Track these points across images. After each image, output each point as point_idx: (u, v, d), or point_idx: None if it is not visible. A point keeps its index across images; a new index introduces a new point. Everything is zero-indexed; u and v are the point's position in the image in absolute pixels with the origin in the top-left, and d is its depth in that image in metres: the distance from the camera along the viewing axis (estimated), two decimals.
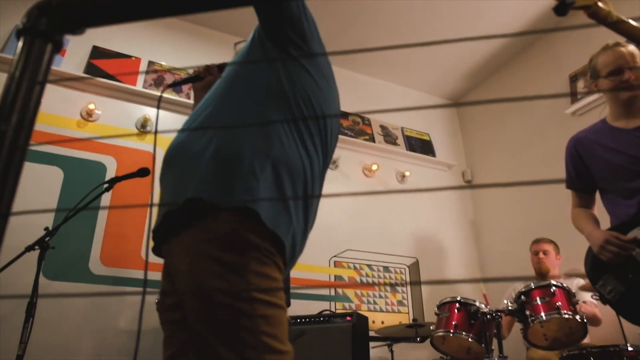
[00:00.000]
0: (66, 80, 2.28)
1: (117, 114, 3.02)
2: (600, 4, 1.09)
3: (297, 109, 1.02)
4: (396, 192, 3.84)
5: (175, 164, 1.00)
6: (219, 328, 0.85)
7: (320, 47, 1.16)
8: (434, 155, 4.17)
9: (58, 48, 0.58)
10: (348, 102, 4.00)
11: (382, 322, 3.29)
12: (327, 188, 3.59)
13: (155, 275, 2.96)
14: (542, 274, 2.82)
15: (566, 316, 1.94)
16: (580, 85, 3.36)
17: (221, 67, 1.43)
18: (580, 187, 1.88)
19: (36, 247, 1.88)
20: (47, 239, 1.89)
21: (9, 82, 0.53)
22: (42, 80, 0.55)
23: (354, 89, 4.11)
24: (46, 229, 1.93)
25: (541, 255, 2.89)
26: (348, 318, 2.45)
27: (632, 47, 1.75)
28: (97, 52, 3.12)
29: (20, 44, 0.54)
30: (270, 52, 1.06)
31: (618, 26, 1.06)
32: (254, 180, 0.89)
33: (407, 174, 3.93)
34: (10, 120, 0.50)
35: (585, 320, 1.97)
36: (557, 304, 1.96)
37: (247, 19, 3.56)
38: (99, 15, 0.59)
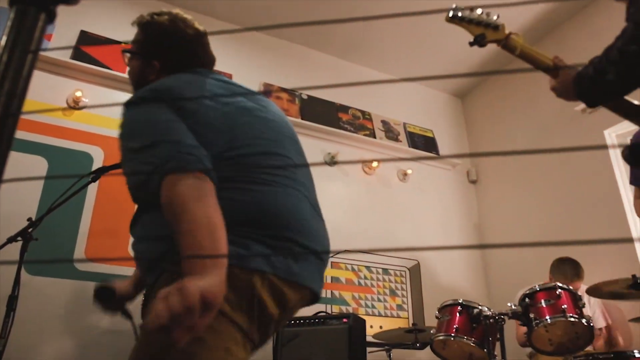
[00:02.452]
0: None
1: (105, 102, 3.03)
2: (513, 36, 1.37)
3: None
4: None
5: None
6: None
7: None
8: (437, 153, 4.20)
9: (51, 18, 0.60)
10: (348, 95, 4.04)
11: (381, 327, 3.31)
12: (325, 185, 3.63)
13: None
14: None
15: (572, 319, 1.96)
16: None
17: None
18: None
19: (19, 238, 1.90)
20: (30, 229, 1.90)
21: (1, 50, 0.55)
22: (35, 49, 0.57)
23: (355, 81, 4.14)
24: (29, 219, 1.95)
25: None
26: (345, 320, 2.47)
27: None
28: (86, 37, 3.13)
29: (12, 13, 0.56)
30: None
31: (526, 58, 1.31)
32: None
33: (409, 172, 3.95)
34: (3, 88, 0.53)
35: (592, 325, 2.00)
36: (563, 306, 1.99)
37: (246, 6, 3.60)
38: None
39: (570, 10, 3.65)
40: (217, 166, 0.99)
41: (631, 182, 2.31)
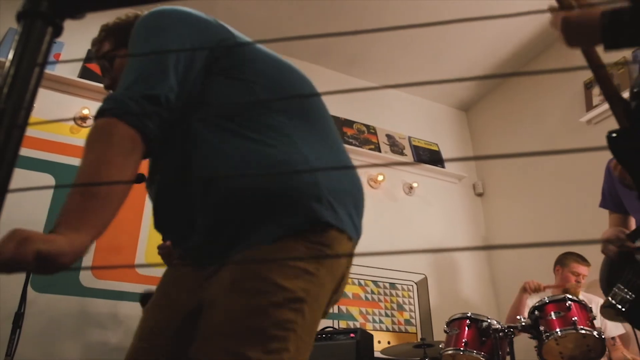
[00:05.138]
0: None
1: None
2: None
3: None
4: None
5: None
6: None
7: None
8: (443, 166, 4.19)
9: (58, 32, 0.61)
10: (352, 109, 4.05)
11: (389, 343, 3.27)
12: None
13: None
14: (568, 292, 2.80)
15: (583, 332, 1.93)
16: (596, 92, 3.39)
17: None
18: (613, 207, 1.96)
19: None
20: None
21: (9, 63, 0.56)
22: (42, 62, 0.58)
23: (360, 95, 4.16)
24: None
25: (582, 279, 2.85)
26: (352, 335, 2.45)
27: None
28: (93, 56, 3.17)
29: (20, 27, 0.57)
30: None
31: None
32: None
33: (414, 185, 3.94)
34: (10, 99, 0.53)
35: (603, 337, 1.96)
36: (573, 318, 1.96)
37: (247, 24, 3.64)
38: None
39: None
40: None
41: (600, 205, 2.12)
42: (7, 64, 0.55)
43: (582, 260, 2.88)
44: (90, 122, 2.99)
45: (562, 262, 2.96)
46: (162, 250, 1.73)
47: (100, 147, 0.84)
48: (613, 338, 2.71)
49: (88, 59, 3.15)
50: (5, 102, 0.52)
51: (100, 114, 0.87)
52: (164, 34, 0.96)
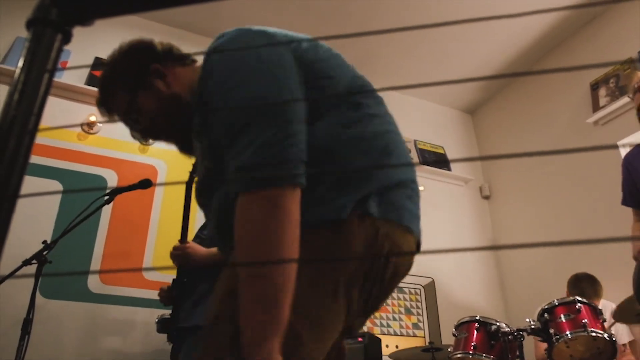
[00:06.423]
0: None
1: (119, 126, 3.07)
2: None
3: None
4: None
5: None
6: None
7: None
8: (449, 169, 4.17)
9: (67, 39, 0.61)
10: None
11: (397, 347, 3.25)
12: None
13: (154, 294, 2.92)
14: None
15: (593, 334, 1.92)
16: (602, 93, 3.38)
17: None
18: (634, 204, 1.94)
19: (34, 261, 1.91)
20: (45, 252, 1.92)
21: (19, 70, 0.56)
22: (52, 69, 0.58)
23: None
24: (44, 242, 1.97)
25: None
26: (359, 339, 2.43)
27: None
28: (100, 63, 3.20)
29: (29, 34, 0.58)
30: None
31: None
32: None
33: (421, 188, 3.90)
34: (21, 106, 0.54)
35: (614, 339, 1.95)
36: (583, 321, 1.94)
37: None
38: (109, 5, 0.62)
39: (576, 25, 3.66)
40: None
41: (622, 203, 2.09)
42: (18, 71, 0.56)
43: (591, 294, 2.62)
44: (97, 128, 3.00)
45: (571, 289, 2.75)
46: (176, 251, 1.72)
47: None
48: (624, 345, 2.68)
49: (95, 66, 3.17)
50: (16, 109, 0.53)
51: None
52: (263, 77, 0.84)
